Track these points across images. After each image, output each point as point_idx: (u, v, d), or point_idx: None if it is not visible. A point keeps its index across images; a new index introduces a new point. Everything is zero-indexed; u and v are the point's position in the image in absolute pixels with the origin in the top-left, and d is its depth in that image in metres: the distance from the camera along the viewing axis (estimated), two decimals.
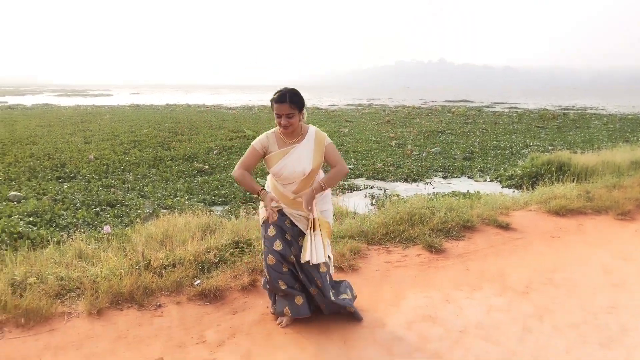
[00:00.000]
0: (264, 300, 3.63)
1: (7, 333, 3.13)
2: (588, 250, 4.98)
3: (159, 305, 3.55)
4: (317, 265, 3.25)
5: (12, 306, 3.28)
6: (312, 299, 3.37)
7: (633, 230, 5.68)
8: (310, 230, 3.18)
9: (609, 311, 3.62)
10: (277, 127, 3.21)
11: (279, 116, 3.10)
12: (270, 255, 3.23)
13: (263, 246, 3.32)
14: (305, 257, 3.15)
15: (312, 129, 3.25)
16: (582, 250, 5.00)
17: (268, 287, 3.41)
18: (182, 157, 12.17)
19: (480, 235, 5.34)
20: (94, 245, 4.58)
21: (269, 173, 3.32)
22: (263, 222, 3.32)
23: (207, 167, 11.02)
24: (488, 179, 10.60)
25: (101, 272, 3.80)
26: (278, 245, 3.21)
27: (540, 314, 3.57)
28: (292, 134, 3.20)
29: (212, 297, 3.68)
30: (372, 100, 58.43)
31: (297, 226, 3.26)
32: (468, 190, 8.69)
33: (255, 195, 3.15)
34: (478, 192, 8.33)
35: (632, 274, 4.34)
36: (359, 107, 40.98)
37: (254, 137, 3.31)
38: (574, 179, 8.22)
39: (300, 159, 3.15)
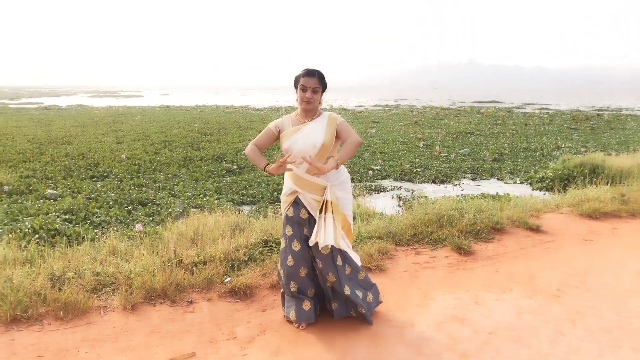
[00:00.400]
0: None
1: (47, 325, 3.26)
2: (622, 254, 4.86)
3: (191, 302, 3.63)
4: (333, 258, 3.22)
5: (51, 299, 3.42)
6: (323, 300, 3.37)
7: None
8: (322, 212, 3.14)
9: None
10: (294, 112, 3.28)
11: (305, 90, 3.13)
12: (290, 257, 3.24)
13: (282, 243, 3.32)
14: (314, 239, 3.11)
15: (327, 112, 3.30)
16: (616, 254, 4.89)
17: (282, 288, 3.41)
18: (211, 157, 12.35)
19: (509, 237, 5.28)
20: (127, 243, 4.71)
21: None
22: (285, 217, 3.32)
23: (235, 167, 11.16)
24: (518, 181, 10.43)
25: (134, 268, 3.92)
26: (296, 245, 3.22)
27: (572, 317, 3.51)
28: (309, 112, 3.23)
29: (242, 294, 3.75)
30: (399, 101, 58.07)
31: (313, 217, 3.21)
32: (497, 192, 8.57)
33: (262, 170, 3.12)
34: (508, 194, 8.20)
35: None
36: (386, 108, 40.79)
37: None
38: (607, 181, 8.03)
39: (311, 133, 3.15)
